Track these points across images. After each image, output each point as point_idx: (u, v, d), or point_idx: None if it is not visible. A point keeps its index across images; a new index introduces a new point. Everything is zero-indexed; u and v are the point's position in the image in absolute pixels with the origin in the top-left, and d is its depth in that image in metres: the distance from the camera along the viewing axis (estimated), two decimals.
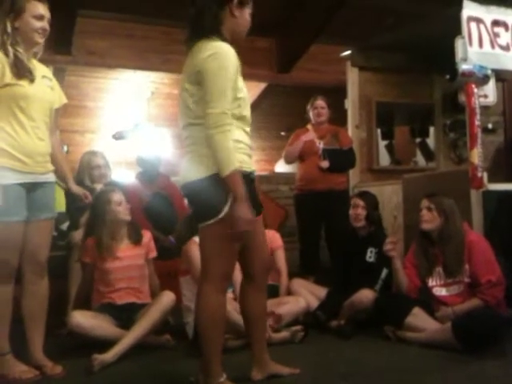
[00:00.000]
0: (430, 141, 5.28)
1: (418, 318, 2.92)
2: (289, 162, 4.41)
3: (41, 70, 2.53)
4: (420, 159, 5.28)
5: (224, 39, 2.06)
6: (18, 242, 2.41)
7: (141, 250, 3.18)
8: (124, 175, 4.96)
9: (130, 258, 3.11)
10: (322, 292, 3.48)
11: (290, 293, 3.43)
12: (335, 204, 4.05)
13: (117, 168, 4.82)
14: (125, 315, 2.96)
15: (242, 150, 2.09)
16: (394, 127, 5.17)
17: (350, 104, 4.92)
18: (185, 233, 3.02)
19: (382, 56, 4.78)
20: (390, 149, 5.14)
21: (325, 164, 4.10)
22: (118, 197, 3.12)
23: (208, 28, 2.05)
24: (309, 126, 4.34)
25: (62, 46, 4.99)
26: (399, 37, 4.52)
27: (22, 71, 2.36)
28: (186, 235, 3.00)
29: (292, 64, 6.18)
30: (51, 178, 2.54)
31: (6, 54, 2.34)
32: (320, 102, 4.30)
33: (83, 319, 2.85)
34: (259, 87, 7.38)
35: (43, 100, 2.46)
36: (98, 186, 3.62)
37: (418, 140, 5.29)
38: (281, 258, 3.58)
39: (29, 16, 2.39)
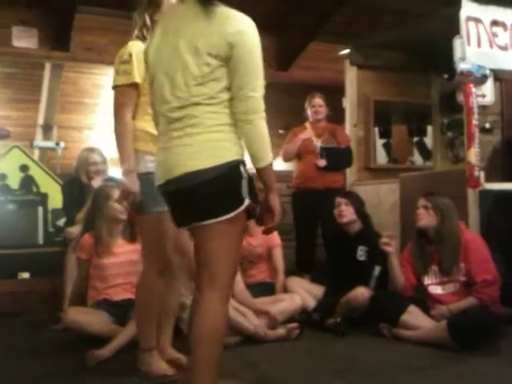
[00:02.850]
0: (428, 140, 5.29)
1: (414, 315, 2.93)
2: (287, 160, 4.41)
3: None
4: (417, 158, 5.28)
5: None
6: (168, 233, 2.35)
7: (136, 245, 3.17)
8: (119, 171, 4.95)
9: (126, 254, 3.12)
10: (318, 290, 3.49)
11: (286, 291, 3.44)
12: (331, 202, 4.04)
13: (113, 164, 4.81)
14: (121, 311, 2.96)
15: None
16: (391, 126, 5.17)
17: (348, 102, 4.92)
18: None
19: (380, 55, 4.78)
20: (387, 147, 5.14)
21: (322, 163, 4.11)
22: (117, 194, 3.12)
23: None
24: (306, 124, 4.34)
25: (60, 42, 4.98)
26: (398, 36, 4.52)
27: None
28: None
29: (290, 62, 6.18)
30: None
31: None
32: (318, 100, 4.30)
33: (79, 315, 2.85)
34: None
35: None
36: (95, 182, 3.62)
37: (415, 139, 5.29)
38: (278, 255, 3.60)
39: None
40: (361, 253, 3.42)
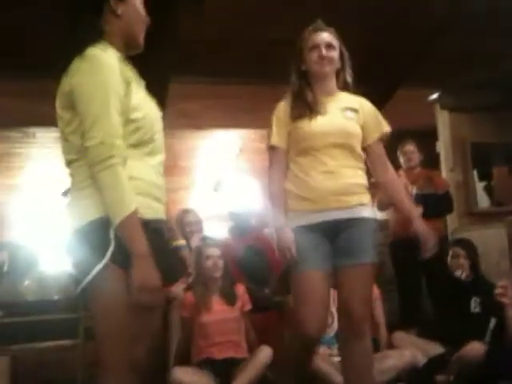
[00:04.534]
0: None
1: None
2: (381, 209, 4.31)
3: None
4: None
5: (106, 48, 1.57)
6: (316, 294, 2.17)
7: (236, 302, 3.20)
8: (216, 229, 5.07)
9: (225, 312, 3.14)
10: (428, 346, 3.27)
11: (391, 347, 3.28)
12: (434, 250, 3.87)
13: (209, 222, 4.95)
14: (224, 371, 2.95)
15: (138, 189, 1.54)
16: (491, 167, 4.93)
17: (442, 147, 4.80)
18: (281, 288, 3.00)
19: (473, 95, 4.64)
20: (488, 190, 4.90)
21: (418, 210, 3.97)
22: (209, 251, 3.20)
23: (84, 42, 1.56)
24: (400, 172, 4.24)
25: None
26: (490, 75, 4.38)
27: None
28: (282, 290, 2.98)
29: (379, 110, 6.13)
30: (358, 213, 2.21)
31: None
32: (409, 147, 4.23)
33: (184, 375, 2.88)
34: None
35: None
36: (193, 242, 3.73)
37: None
38: (378, 309, 3.47)
39: (307, 51, 2.32)
40: (475, 304, 3.20)
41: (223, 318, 3.11)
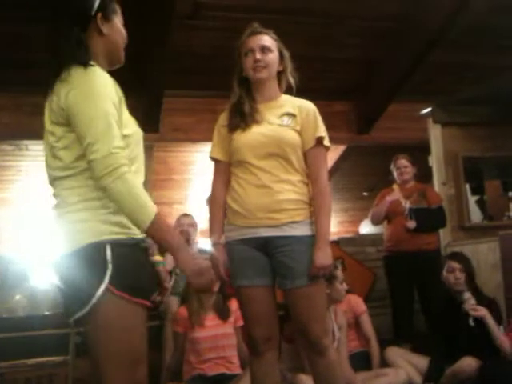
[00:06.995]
0: None
1: None
2: (375, 223, 4.32)
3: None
4: None
5: (93, 65, 1.57)
6: (254, 312, 2.17)
7: (229, 318, 3.17)
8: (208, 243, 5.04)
9: (218, 327, 3.11)
10: (421, 361, 3.26)
11: (385, 363, 3.26)
12: (426, 265, 3.88)
13: (203, 236, 4.92)
14: None
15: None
16: (483, 182, 4.96)
17: (435, 161, 4.80)
18: None
19: (465, 110, 4.66)
20: (481, 204, 4.91)
21: (411, 224, 3.98)
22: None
23: (70, 56, 1.55)
24: (394, 186, 4.25)
25: (150, 124, 5.30)
26: (483, 89, 4.42)
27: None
28: None
29: (371, 124, 6.17)
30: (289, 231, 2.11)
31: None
32: (402, 161, 4.24)
33: None
34: (338, 149, 7.39)
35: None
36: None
37: (510, 194, 5.02)
38: (367, 322, 3.47)
39: (243, 57, 2.22)
40: (473, 318, 3.18)
41: (216, 334, 3.08)
